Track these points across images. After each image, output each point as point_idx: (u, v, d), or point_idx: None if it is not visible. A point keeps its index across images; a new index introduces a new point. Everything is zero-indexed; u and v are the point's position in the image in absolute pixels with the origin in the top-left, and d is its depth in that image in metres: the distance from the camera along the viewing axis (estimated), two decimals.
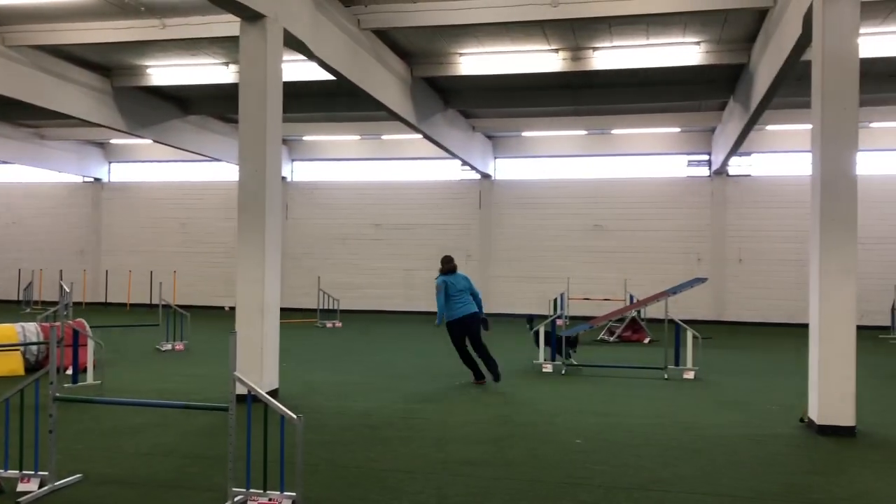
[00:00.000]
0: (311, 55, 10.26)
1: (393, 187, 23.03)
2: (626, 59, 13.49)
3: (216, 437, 7.03)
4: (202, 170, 24.43)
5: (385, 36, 12.82)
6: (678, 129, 20.98)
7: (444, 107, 16.93)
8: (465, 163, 20.57)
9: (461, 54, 13.83)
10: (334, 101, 16.88)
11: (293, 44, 9.71)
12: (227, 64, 14.65)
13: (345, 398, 9.17)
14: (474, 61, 13.90)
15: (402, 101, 14.18)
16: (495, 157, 22.66)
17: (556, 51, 13.46)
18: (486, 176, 22.34)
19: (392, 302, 22.66)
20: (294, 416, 4.91)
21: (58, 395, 5.43)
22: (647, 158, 22.17)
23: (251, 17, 8.77)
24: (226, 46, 13.51)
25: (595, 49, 13.39)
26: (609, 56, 13.48)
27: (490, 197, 22.45)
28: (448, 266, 10.49)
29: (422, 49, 13.70)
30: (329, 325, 18.15)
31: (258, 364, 8.74)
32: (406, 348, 14.45)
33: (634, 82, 15.66)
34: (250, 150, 8.91)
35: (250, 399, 5.12)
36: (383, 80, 13.11)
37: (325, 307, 18.97)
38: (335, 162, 23.81)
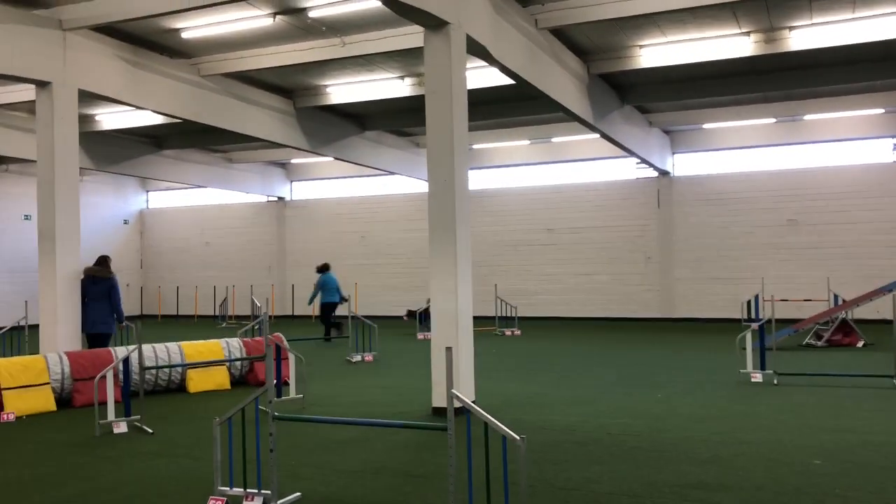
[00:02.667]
0: (491, 60, 10.03)
1: (564, 190, 22.50)
2: (829, 37, 12.25)
3: (421, 453, 6.88)
4: (378, 184, 25.08)
5: (561, 34, 12.41)
6: (882, 111, 18.99)
7: (620, 103, 16.25)
8: (641, 160, 19.70)
9: (641, 46, 13.15)
10: (504, 107, 16.68)
11: (475, 49, 9.52)
12: (402, 77, 14.79)
13: (543, 411, 8.80)
14: (655, 52, 13.17)
15: (579, 100, 13.68)
16: (673, 153, 21.58)
17: (748, 33, 12.47)
18: (664, 173, 21.32)
19: (568, 308, 22.10)
20: (517, 437, 4.60)
21: (276, 413, 5.44)
22: (845, 144, 20.26)
23: (435, 25, 8.65)
24: (401, 60, 13.62)
25: (792, 28, 12.27)
26: (808, 35, 12.30)
27: (669, 195, 21.38)
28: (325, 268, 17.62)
29: (599, 44, 13.15)
30: (508, 332, 17.91)
31: (455, 375, 8.55)
32: (591, 356, 13.88)
33: (835, 61, 14.26)
34: (439, 161, 8.78)
35: (467, 417, 4.85)
36: (560, 79, 12.69)
37: (503, 315, 18.75)
38: (504, 168, 23.63)
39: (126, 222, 27.20)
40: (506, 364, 12.90)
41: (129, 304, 26.19)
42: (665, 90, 16.00)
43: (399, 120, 18.39)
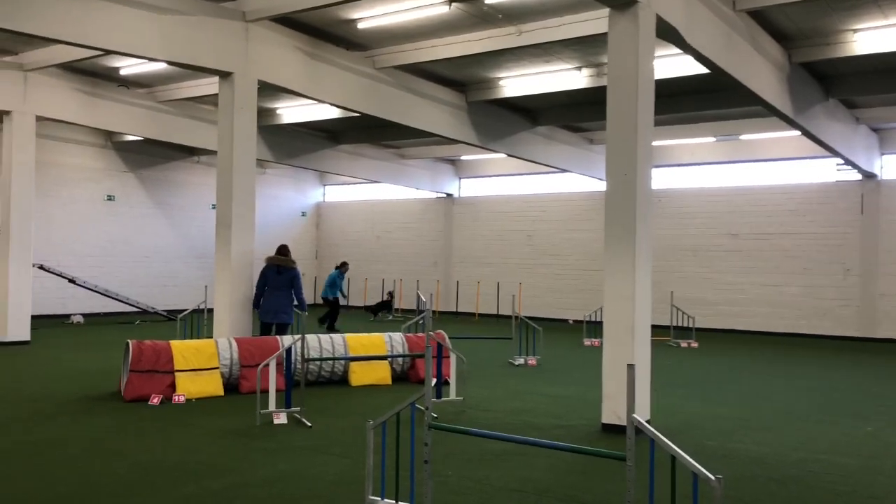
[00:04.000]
0: (683, 45, 9.08)
1: (752, 192, 20.70)
2: None
3: (590, 476, 6.18)
4: (546, 182, 24.37)
5: (761, 16, 11.16)
6: None
7: (824, 96, 14.56)
8: (845, 161, 17.67)
9: (856, 30, 11.59)
10: (690, 100, 15.43)
11: (665, 32, 8.63)
12: (579, 68, 14.03)
13: (728, 436, 7.80)
14: (873, 37, 11.56)
15: (779, 91, 12.31)
16: (882, 153, 19.26)
17: None
18: (870, 175, 19.06)
19: (750, 321, 20.33)
20: (711, 477, 3.81)
21: (432, 422, 4.97)
22: None
23: (621, 4, 7.88)
24: (579, 49, 12.87)
25: None
26: None
27: (876, 200, 19.08)
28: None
29: (804, 28, 11.74)
30: (684, 344, 16.65)
31: (626, 390, 7.76)
32: (778, 376, 12.45)
33: None
34: (619, 155, 8.01)
35: (651, 448, 4.11)
36: (759, 68, 11.43)
37: (678, 325, 17.48)
38: (684, 167, 22.14)
39: (304, 214, 28.21)
40: (682, 378, 11.83)
41: (307, 293, 27.15)
42: (879, 81, 14.11)
43: (573, 114, 17.59)
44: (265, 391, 8.13)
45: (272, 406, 8.11)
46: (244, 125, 11.34)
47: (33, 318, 14.93)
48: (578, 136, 20.60)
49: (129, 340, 9.39)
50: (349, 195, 28.80)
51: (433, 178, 25.41)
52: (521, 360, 13.03)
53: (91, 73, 15.22)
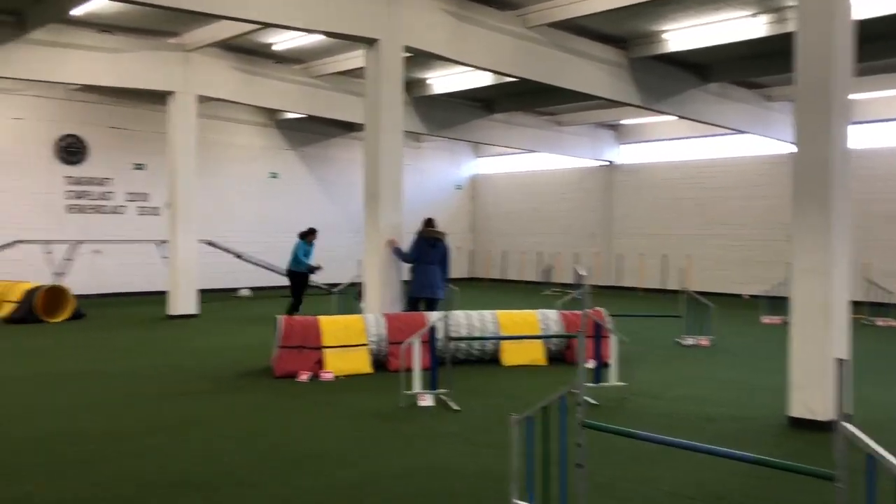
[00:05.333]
0: None
1: None
2: None
3: (770, 480, 5.19)
4: (719, 145, 22.45)
5: None
6: None
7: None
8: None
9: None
10: (891, 45, 13.41)
11: None
12: (755, 15, 12.48)
13: None
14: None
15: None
16: None
17: None
18: None
19: None
20: None
21: (586, 420, 4.23)
22: None
23: None
24: None
25: None
26: None
27: None
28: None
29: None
30: (881, 322, 14.71)
31: (820, 379, 6.64)
32: None
33: None
34: (809, 111, 6.85)
35: (870, 468, 3.16)
36: None
37: (874, 301, 15.50)
38: (877, 124, 19.57)
39: (459, 187, 27.91)
40: (881, 363, 10.26)
41: (459, 267, 26.91)
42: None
43: (748, 69, 15.85)
44: (409, 369, 7.69)
45: (417, 387, 7.66)
46: (391, 94, 10.92)
47: (204, 291, 15.51)
48: (755, 92, 18.67)
49: (278, 316, 9.28)
50: (504, 166, 28.14)
51: (592, 144, 24.21)
52: (692, 341, 11.90)
53: (247, 50, 15.44)
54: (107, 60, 13.90)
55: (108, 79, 14.29)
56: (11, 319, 13.49)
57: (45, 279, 15.26)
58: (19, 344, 11.43)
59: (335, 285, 16.46)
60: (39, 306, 13.73)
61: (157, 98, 15.69)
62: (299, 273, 14.62)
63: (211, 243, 18.27)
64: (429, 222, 10.99)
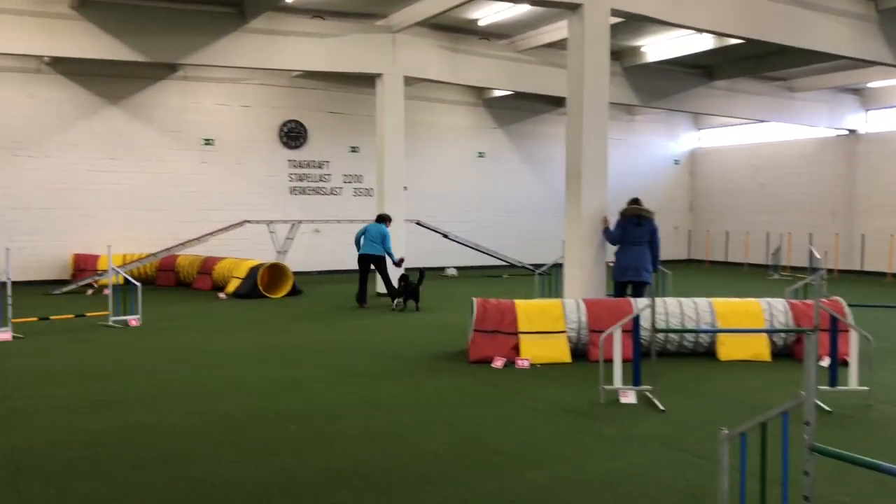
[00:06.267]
0: None
1: None
2: None
3: None
4: None
5: None
6: None
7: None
8: None
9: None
10: None
11: None
12: None
13: None
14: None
15: None
16: None
17: None
18: None
19: None
20: None
21: (815, 444, 3.39)
22: None
23: None
24: None
25: None
26: None
27: None
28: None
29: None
30: None
31: None
32: None
33: None
34: None
35: None
36: None
37: None
38: None
39: (676, 162, 26.21)
40: None
41: (676, 249, 25.37)
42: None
43: None
44: (609, 360, 7.02)
45: (618, 381, 6.98)
46: (596, 63, 10.16)
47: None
48: None
49: (473, 298, 8.97)
50: (727, 139, 25.98)
51: (831, 112, 21.59)
52: None
53: (452, 28, 15.29)
54: (319, 46, 14.36)
55: (322, 64, 14.78)
56: (237, 294, 14.44)
57: (269, 257, 16.23)
58: (239, 317, 12.12)
59: (540, 266, 15.98)
60: (262, 282, 14.58)
61: (369, 81, 16.02)
62: (381, 257, 13.37)
63: (419, 223, 18.51)
64: (634, 201, 10.16)
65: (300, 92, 19.32)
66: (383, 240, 13.28)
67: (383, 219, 13.65)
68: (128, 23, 12.91)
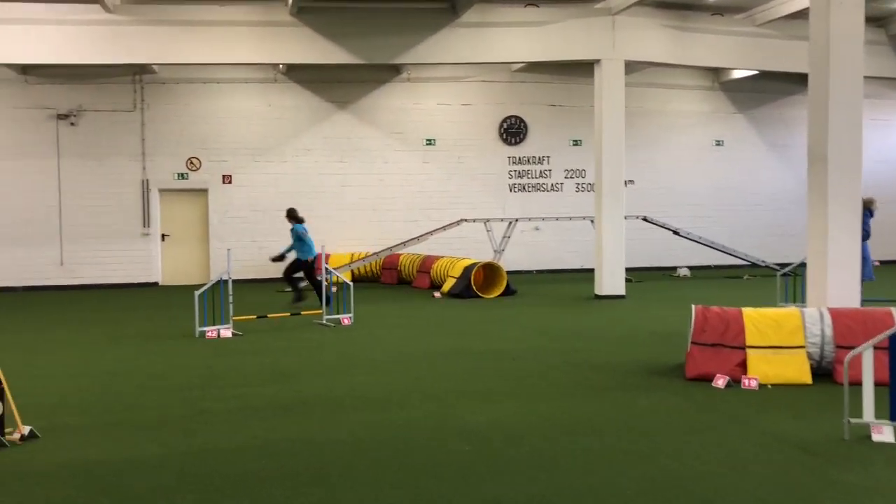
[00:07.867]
0: None
1: None
2: None
3: None
4: None
5: None
6: None
7: None
8: None
9: None
10: None
11: None
12: None
13: None
14: None
15: None
16: None
17: None
18: None
19: None
20: None
21: None
22: None
23: None
24: None
25: None
26: None
27: None
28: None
29: None
30: None
31: None
32: None
33: None
34: None
35: None
36: None
37: None
38: None
39: None
40: None
41: None
42: None
43: None
44: (858, 384, 5.65)
45: (869, 413, 5.59)
46: (846, 27, 8.52)
47: (639, 270, 14.59)
48: None
49: (693, 305, 7.84)
50: None
51: None
52: None
53: (679, 5, 13.94)
54: (533, 35, 13.75)
55: (536, 54, 14.16)
56: (451, 293, 14.26)
57: (488, 255, 15.92)
58: (446, 317, 11.85)
59: (785, 265, 14.10)
60: (476, 282, 14.28)
61: (590, 69, 15.12)
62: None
63: (646, 219, 17.25)
64: None
65: (520, 87, 18.84)
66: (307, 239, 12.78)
67: (293, 216, 12.96)
68: (343, 26, 13.18)
